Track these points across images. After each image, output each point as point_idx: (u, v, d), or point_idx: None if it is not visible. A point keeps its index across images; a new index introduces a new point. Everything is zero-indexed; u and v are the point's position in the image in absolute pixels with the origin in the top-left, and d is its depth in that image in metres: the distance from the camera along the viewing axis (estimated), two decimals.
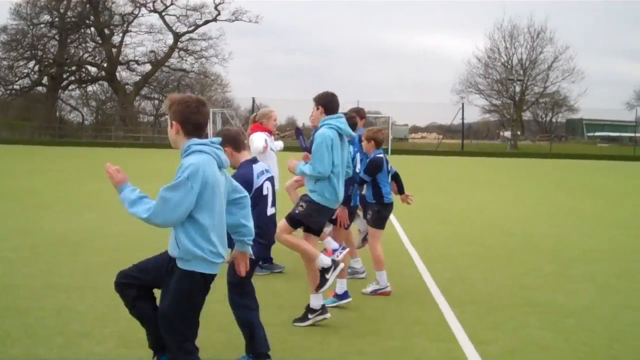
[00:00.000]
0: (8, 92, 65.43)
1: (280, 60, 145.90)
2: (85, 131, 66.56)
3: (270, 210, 5.13)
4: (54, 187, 17.26)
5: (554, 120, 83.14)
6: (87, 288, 6.89)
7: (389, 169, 7.32)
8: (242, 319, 4.95)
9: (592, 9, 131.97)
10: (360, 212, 7.73)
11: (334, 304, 6.37)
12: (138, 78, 67.29)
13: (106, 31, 64.40)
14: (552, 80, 68.64)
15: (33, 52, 64.33)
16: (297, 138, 7.73)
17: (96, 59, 67.14)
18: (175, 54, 66.46)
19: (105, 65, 65.50)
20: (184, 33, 65.58)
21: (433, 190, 19.88)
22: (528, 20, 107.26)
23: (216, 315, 5.88)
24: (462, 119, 60.31)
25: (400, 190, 7.64)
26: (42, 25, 63.82)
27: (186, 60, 67.22)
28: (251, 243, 4.26)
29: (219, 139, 3.89)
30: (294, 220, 5.88)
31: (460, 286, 7.54)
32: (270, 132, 8.10)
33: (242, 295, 4.97)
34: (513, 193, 19.50)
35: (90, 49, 67.31)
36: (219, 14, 63.99)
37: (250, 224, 4.17)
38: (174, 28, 64.89)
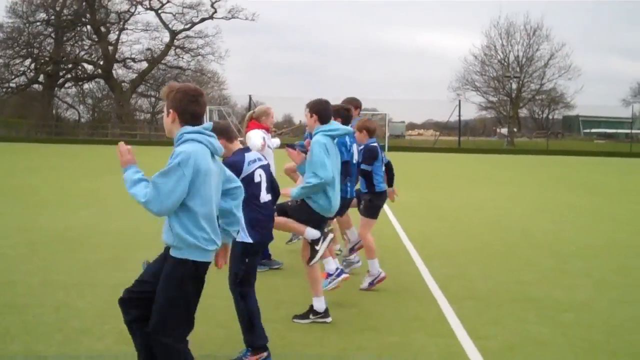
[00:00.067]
0: (4, 90, 65.22)
1: (276, 58, 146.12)
2: (82, 129, 66.38)
3: (265, 197, 5.15)
4: (51, 185, 17.24)
5: (550, 117, 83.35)
6: (86, 285, 6.89)
7: (383, 157, 7.38)
8: (243, 309, 4.95)
9: (588, 7, 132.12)
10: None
11: (334, 284, 6.16)
12: (134, 76, 67.21)
13: (102, 29, 64.23)
14: (549, 77, 68.80)
15: (29, 50, 64.14)
16: (293, 147, 7.62)
17: (92, 56, 66.99)
18: (172, 52, 66.38)
19: (101, 63, 65.35)
20: (181, 31, 65.49)
21: (430, 186, 19.91)
22: (524, 18, 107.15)
23: (216, 311, 5.89)
24: (459, 116, 60.28)
25: (390, 182, 7.62)
26: (38, 23, 63.65)
27: (182, 57, 67.21)
28: (235, 235, 4.25)
29: (211, 125, 3.87)
30: (283, 211, 5.86)
31: (459, 282, 7.56)
32: (267, 130, 8.11)
33: (244, 285, 4.99)
34: (510, 189, 19.52)
35: (86, 47, 67.22)
36: (215, 11, 63.96)
37: (240, 214, 4.16)
38: (170, 26, 64.82)
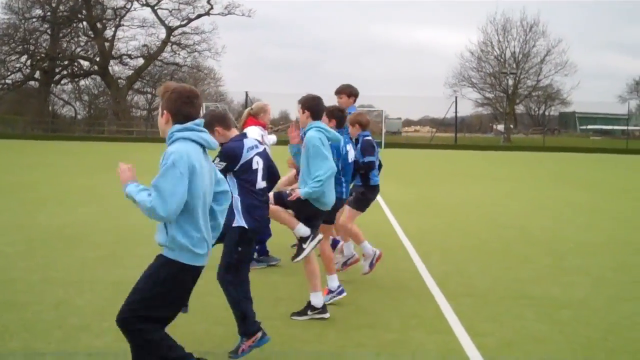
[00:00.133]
0: (0, 86, 65.11)
1: (273, 54, 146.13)
2: (78, 125, 66.29)
3: (261, 184, 5.19)
4: (48, 182, 17.22)
5: (546, 113, 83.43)
6: (85, 282, 6.89)
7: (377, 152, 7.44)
8: (235, 298, 4.94)
9: (584, 3, 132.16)
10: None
11: (330, 301, 6.35)
12: (131, 72, 67.13)
13: (98, 25, 64.12)
14: (545, 73, 68.96)
15: (25, 46, 64.02)
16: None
17: (89, 53, 66.89)
18: (168, 48, 66.34)
19: (97, 59, 65.24)
20: (177, 27, 65.41)
21: (427, 183, 19.93)
22: (521, 14, 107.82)
23: (214, 309, 5.90)
24: (455, 112, 60.41)
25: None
26: (34, 20, 63.51)
27: (179, 54, 67.16)
28: (213, 241, 4.20)
29: (202, 121, 3.84)
30: (280, 200, 5.86)
31: (456, 279, 7.57)
32: (264, 127, 8.11)
33: (233, 274, 5.00)
34: (507, 186, 19.55)
35: (82, 43, 67.10)
36: (211, 7, 63.87)
37: (222, 220, 4.09)
38: (166, 22, 64.74)
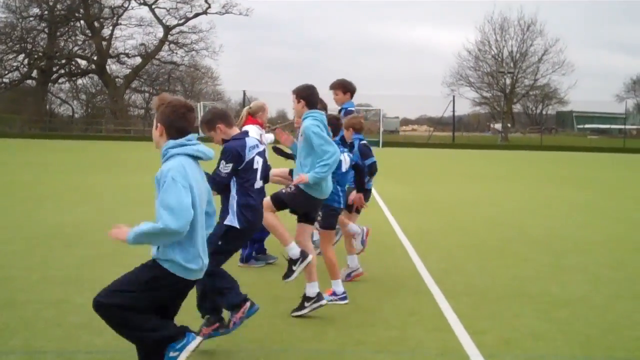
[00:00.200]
0: None
1: (270, 53, 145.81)
2: (76, 124, 66.29)
3: (259, 183, 5.24)
4: (46, 180, 17.21)
5: (544, 112, 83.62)
6: (84, 280, 6.88)
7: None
8: (210, 286, 4.95)
9: (582, 2, 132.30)
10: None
11: (331, 302, 6.26)
12: (128, 71, 67.14)
13: (96, 24, 64.07)
14: (542, 72, 69.13)
15: (22, 45, 63.95)
16: (279, 154, 7.63)
17: (86, 52, 66.83)
18: (166, 47, 66.35)
19: (95, 58, 65.20)
20: (175, 26, 65.41)
21: (425, 182, 19.97)
22: (518, 13, 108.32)
23: None
24: (453, 111, 60.53)
25: (359, 185, 7.05)
26: (31, 19, 63.42)
27: (176, 53, 67.18)
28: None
29: (195, 135, 3.87)
30: (278, 200, 5.86)
31: (455, 277, 7.59)
32: (261, 125, 8.12)
33: (217, 265, 5.00)
34: (505, 185, 19.58)
35: (80, 42, 67.07)
36: (209, 6, 63.91)
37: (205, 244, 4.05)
38: (164, 21, 64.76)
